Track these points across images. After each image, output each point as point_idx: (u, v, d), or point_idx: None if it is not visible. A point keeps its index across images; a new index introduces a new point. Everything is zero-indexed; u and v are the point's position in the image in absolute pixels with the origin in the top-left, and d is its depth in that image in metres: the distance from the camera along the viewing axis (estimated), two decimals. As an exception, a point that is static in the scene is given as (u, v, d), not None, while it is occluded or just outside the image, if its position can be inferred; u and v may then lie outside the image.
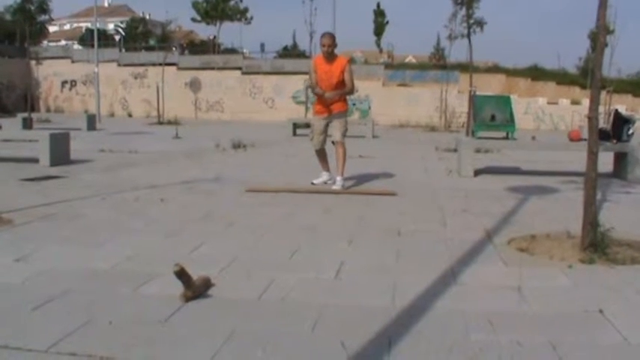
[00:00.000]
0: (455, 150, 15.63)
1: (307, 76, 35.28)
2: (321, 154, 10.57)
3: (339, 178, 10.11)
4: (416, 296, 4.72)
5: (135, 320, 4.17)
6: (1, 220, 7.25)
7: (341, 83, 10.04)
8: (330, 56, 10.01)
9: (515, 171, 13.14)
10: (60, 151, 13.16)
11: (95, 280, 5.10)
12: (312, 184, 10.42)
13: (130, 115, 39.35)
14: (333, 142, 10.25)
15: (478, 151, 14.28)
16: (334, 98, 10.07)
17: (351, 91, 10.36)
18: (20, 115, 27.03)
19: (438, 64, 46.78)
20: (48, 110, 41.15)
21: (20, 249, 6.02)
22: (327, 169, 10.63)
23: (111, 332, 3.98)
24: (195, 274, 5.10)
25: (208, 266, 5.46)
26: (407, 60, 69.65)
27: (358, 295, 4.76)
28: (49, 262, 5.61)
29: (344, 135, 10.21)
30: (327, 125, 10.31)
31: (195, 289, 4.41)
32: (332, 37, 10.07)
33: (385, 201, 9.00)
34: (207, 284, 4.50)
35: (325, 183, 10.45)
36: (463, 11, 22.90)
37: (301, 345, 3.80)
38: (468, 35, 21.77)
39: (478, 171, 12.34)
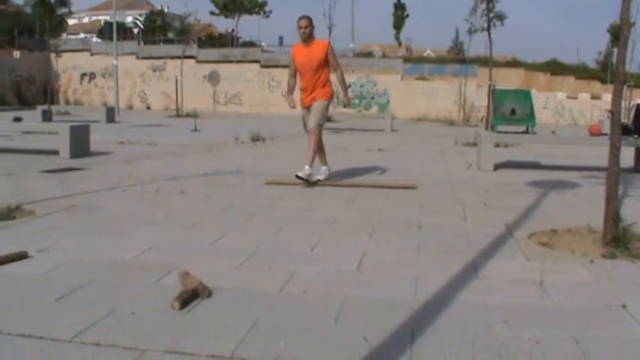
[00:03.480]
0: (474, 144, 15.61)
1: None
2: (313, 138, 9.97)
3: (306, 167, 9.62)
4: (438, 289, 4.71)
5: (158, 311, 4.18)
6: (23, 212, 7.29)
7: (319, 68, 9.67)
8: (309, 39, 9.70)
9: (535, 165, 13.10)
10: (80, 143, 13.22)
11: (117, 271, 5.12)
12: (318, 180, 9.91)
13: (148, 108, 39.50)
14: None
15: (497, 145, 14.24)
16: (348, 97, 10.31)
17: (343, 75, 10.14)
18: (40, 108, 27.19)
19: (456, 58, 46.67)
20: (67, 103, 41.36)
21: (42, 240, 6.05)
22: (325, 163, 10.33)
23: (134, 322, 3.99)
24: (216, 265, 5.15)
25: (229, 258, 5.48)
26: (425, 54, 69.51)
27: (380, 287, 4.76)
28: (71, 253, 5.64)
29: (319, 122, 9.80)
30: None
31: (183, 301, 4.36)
32: (308, 18, 9.74)
33: (405, 194, 8.99)
34: (195, 294, 4.46)
35: (327, 178, 10.15)
36: (483, 5, 22.76)
37: (324, 337, 3.80)
38: (488, 29, 21.69)
39: (498, 165, 12.31)
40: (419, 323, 4.01)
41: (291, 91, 10.22)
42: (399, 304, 4.38)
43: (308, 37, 9.66)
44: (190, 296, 4.34)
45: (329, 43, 9.92)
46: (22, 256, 5.53)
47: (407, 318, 4.10)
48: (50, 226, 6.73)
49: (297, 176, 9.46)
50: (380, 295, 4.59)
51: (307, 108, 9.94)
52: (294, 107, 10.02)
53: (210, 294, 4.45)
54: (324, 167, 10.28)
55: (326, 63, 9.71)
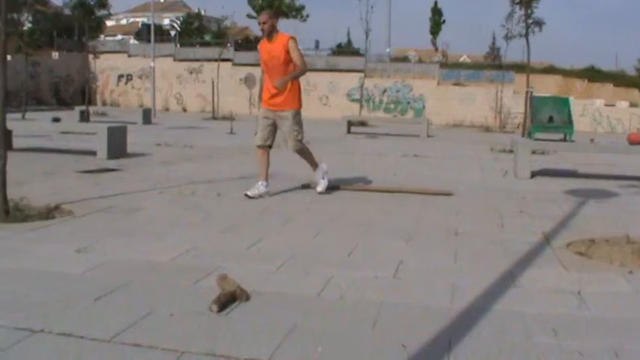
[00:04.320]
0: (510, 151, 15.50)
1: (362, 74, 35.16)
2: (262, 156, 9.21)
3: (316, 172, 9.31)
4: (475, 297, 4.69)
5: (196, 313, 4.21)
6: (61, 211, 7.37)
7: (285, 64, 8.84)
8: (271, 35, 8.92)
9: (572, 173, 12.99)
10: (117, 144, 13.31)
11: (155, 273, 5.16)
12: (246, 195, 8.78)
13: (184, 110, 39.70)
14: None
15: (534, 152, 14.14)
16: (284, 86, 8.82)
17: (303, 71, 9.01)
18: (77, 108, 27.41)
19: (493, 64, 46.38)
20: (104, 104, 41.66)
21: (80, 240, 6.11)
22: (265, 178, 9.06)
23: (172, 324, 4.02)
24: (254, 269, 5.18)
25: (267, 262, 5.51)
26: (461, 59, 69.25)
27: (417, 294, 4.75)
28: (109, 253, 5.69)
29: (300, 140, 9.11)
30: (273, 123, 9.09)
31: (221, 304, 4.37)
32: (268, 13, 9.12)
33: (441, 201, 8.96)
34: (233, 298, 4.48)
35: (261, 196, 8.86)
36: (521, 11, 22.59)
37: (361, 343, 3.80)
38: (526, 35, 21.45)
39: (535, 172, 12.22)
40: (456, 331, 4.00)
41: (259, 92, 9.54)
42: (436, 311, 4.37)
43: (269, 33, 8.92)
44: (228, 299, 4.36)
45: (290, 37, 9.00)
46: None
47: (444, 326, 4.10)
48: (88, 226, 6.80)
49: (319, 192, 9.18)
50: (417, 301, 4.59)
51: (268, 110, 9.07)
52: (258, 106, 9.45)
53: (248, 298, 4.47)
54: (261, 182, 9.04)
55: (290, 60, 8.91)
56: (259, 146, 9.17)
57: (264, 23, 8.90)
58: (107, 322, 4.02)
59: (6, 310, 4.17)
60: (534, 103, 22.82)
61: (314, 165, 9.43)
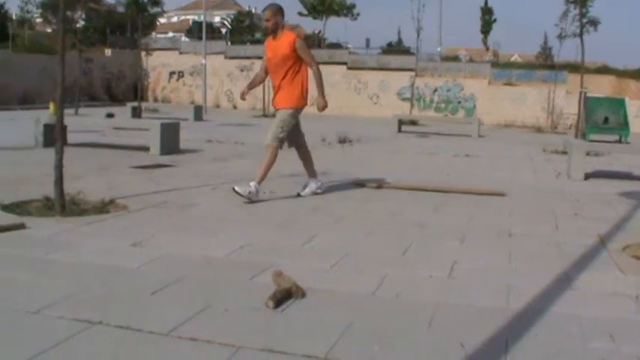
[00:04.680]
0: (563, 152, 15.34)
1: (413, 73, 35.01)
2: (300, 155, 9.20)
3: (252, 184, 8.30)
4: (530, 299, 4.66)
5: (252, 309, 4.24)
6: (116, 206, 7.47)
7: (288, 63, 8.46)
8: (276, 32, 8.53)
9: (627, 176, 12.80)
10: (170, 141, 13.42)
11: (210, 268, 5.21)
12: (299, 195, 8.79)
13: (235, 107, 39.88)
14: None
15: (588, 153, 13.98)
16: (325, 100, 8.82)
17: (318, 71, 8.69)
18: (129, 105, 27.71)
19: (545, 64, 45.92)
20: (155, 100, 42.03)
21: (136, 234, 6.18)
22: (313, 175, 9.13)
23: (228, 319, 4.06)
24: (308, 266, 5.19)
25: (321, 259, 5.52)
26: (512, 59, 68.69)
27: (472, 294, 4.73)
28: (164, 248, 5.75)
29: (277, 136, 8.56)
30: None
31: (277, 301, 4.38)
32: (273, 9, 8.55)
33: (495, 201, 8.89)
34: (289, 294, 4.49)
35: (315, 193, 8.90)
36: (575, 10, 22.30)
37: (418, 342, 3.80)
38: (581, 35, 21.20)
39: (588, 174, 12.06)
40: (512, 332, 3.98)
41: (251, 85, 9.13)
42: (491, 312, 4.35)
43: (273, 31, 8.54)
44: (284, 296, 4.38)
45: (296, 36, 8.71)
46: (19, 226, 6.27)
47: (500, 326, 4.07)
48: (143, 221, 6.88)
49: (234, 190, 8.19)
50: (472, 302, 4.57)
51: (275, 110, 8.92)
52: (243, 99, 9.30)
53: (303, 294, 4.48)
54: (310, 180, 9.08)
55: (293, 59, 8.49)
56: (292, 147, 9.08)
57: (267, 20, 8.58)
58: (164, 315, 4.06)
59: (66, 303, 4.23)
60: (588, 104, 22.53)
61: (260, 175, 8.50)
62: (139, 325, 3.87)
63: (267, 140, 8.57)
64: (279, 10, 8.54)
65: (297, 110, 8.72)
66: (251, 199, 8.13)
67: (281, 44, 8.46)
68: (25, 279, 4.76)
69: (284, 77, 8.54)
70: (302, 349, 3.60)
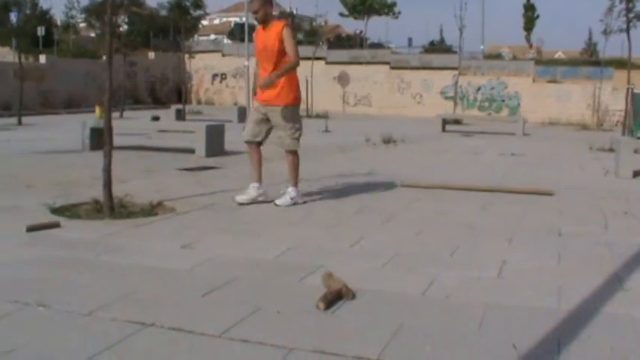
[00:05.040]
0: (610, 149, 15.17)
1: (456, 72, 34.82)
2: (252, 153, 8.50)
3: (290, 189, 8.21)
4: (582, 299, 4.61)
5: (302, 311, 4.25)
6: (164, 208, 7.53)
7: (279, 54, 7.97)
8: (266, 22, 8.09)
9: (677, 173, 12.61)
10: (215, 142, 13.49)
11: (259, 270, 5.23)
12: (238, 203, 8.07)
13: (277, 108, 39.97)
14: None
15: (636, 151, 13.78)
16: (276, 82, 7.94)
17: (295, 64, 8.04)
18: (173, 107, 27.93)
19: (590, 60, 45.44)
20: (199, 102, 42.25)
21: (184, 236, 6.24)
22: (258, 179, 8.38)
23: (280, 321, 4.07)
24: (358, 267, 5.20)
25: (369, 260, 5.53)
26: (556, 55, 68.05)
27: (522, 295, 4.69)
28: (213, 250, 5.79)
29: (296, 140, 8.26)
30: (266, 118, 8.23)
31: (328, 302, 4.39)
32: (260, 0, 8.06)
33: (542, 200, 8.81)
34: (339, 296, 4.50)
35: (254, 200, 8.17)
36: (621, 5, 22.02)
37: (469, 343, 3.78)
38: (627, 30, 20.95)
39: (637, 172, 11.90)
40: (565, 333, 3.94)
41: (255, 81, 8.64)
42: (542, 312, 4.32)
43: (262, 21, 8.11)
44: (335, 297, 4.38)
45: (285, 24, 8.19)
46: (55, 225, 6.52)
47: (552, 327, 4.04)
48: (191, 223, 6.93)
49: (277, 204, 8.05)
50: (522, 302, 4.53)
51: (260, 104, 8.26)
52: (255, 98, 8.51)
53: (353, 296, 4.48)
54: (252, 185, 8.37)
55: (282, 50, 8.01)
56: (247, 142, 8.43)
57: (255, 12, 8.13)
58: (215, 317, 4.09)
59: (118, 304, 4.28)
60: (636, 100, 22.21)
61: (293, 180, 8.31)
62: (191, 327, 3.90)
63: (286, 147, 8.25)
64: (267, 0, 8.15)
65: (298, 105, 8.42)
66: (298, 202, 8.15)
67: (270, 34, 8.03)
68: (77, 281, 4.83)
69: (274, 69, 8.01)
70: (354, 350, 3.60)
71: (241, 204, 8.01)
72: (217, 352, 3.59)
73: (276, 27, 8.04)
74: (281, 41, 7.94)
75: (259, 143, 8.41)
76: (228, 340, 3.74)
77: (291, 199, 8.12)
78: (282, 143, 8.26)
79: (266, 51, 8.06)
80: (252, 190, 8.20)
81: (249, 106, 32.98)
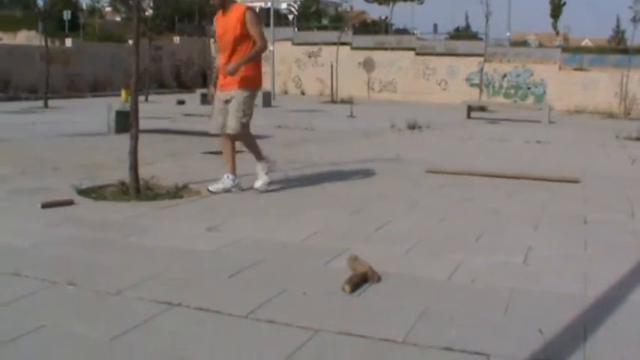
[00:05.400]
0: (637, 138, 15.08)
1: (482, 59, 34.64)
2: (224, 145, 8.03)
3: (259, 166, 7.91)
4: (608, 286, 4.59)
5: (328, 293, 4.27)
6: (189, 191, 7.58)
7: (240, 40, 7.54)
8: (225, 7, 7.63)
9: None
10: (240, 126, 13.50)
11: (285, 252, 5.26)
12: (209, 190, 7.64)
13: (302, 94, 39.98)
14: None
15: (663, 140, 13.69)
16: (238, 70, 7.46)
17: (261, 50, 7.65)
18: (198, 91, 28.02)
19: (617, 48, 45.04)
20: (224, 86, 42.33)
21: (210, 219, 6.28)
22: (232, 170, 7.89)
23: (305, 303, 4.10)
24: (383, 251, 5.21)
25: (395, 244, 5.53)
26: (583, 43, 67.51)
27: (548, 281, 4.69)
28: (239, 232, 5.83)
29: (244, 124, 7.67)
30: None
31: (353, 285, 4.40)
32: None
33: (568, 188, 8.77)
34: (365, 279, 4.51)
35: (228, 191, 7.72)
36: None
37: (494, 327, 3.79)
38: (656, 18, 20.76)
39: (664, 161, 11.81)
40: (591, 319, 3.93)
41: (214, 76, 8.28)
42: (568, 298, 4.31)
43: (222, 5, 7.67)
44: (360, 280, 4.40)
45: (247, 8, 7.71)
46: (69, 202, 6.73)
47: (578, 313, 4.03)
48: (216, 205, 6.98)
49: (257, 189, 7.79)
50: (548, 288, 4.53)
51: (223, 92, 7.79)
52: (209, 100, 7.96)
53: (379, 279, 4.50)
54: (226, 175, 7.87)
55: (247, 36, 7.56)
56: (217, 134, 8.01)
57: None
58: (242, 298, 4.12)
59: (146, 285, 4.33)
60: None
61: (259, 157, 7.99)
62: (217, 307, 3.94)
63: (231, 130, 7.63)
64: None
65: (256, 90, 7.91)
66: (268, 190, 7.81)
67: (231, 19, 7.57)
68: (105, 261, 4.88)
69: (233, 54, 7.59)
70: (380, 332, 3.62)
71: (214, 192, 7.62)
72: (243, 332, 3.62)
73: (237, 11, 7.60)
74: (243, 25, 7.52)
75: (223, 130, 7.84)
76: (255, 321, 3.77)
77: (266, 173, 7.85)
78: (227, 125, 7.66)
79: (227, 36, 7.61)
80: (227, 181, 7.78)
81: (274, 90, 33.07)
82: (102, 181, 7.86)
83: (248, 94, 7.66)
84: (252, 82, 7.73)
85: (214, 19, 7.94)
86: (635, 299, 4.35)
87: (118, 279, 4.42)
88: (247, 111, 7.66)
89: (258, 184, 7.86)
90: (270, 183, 7.96)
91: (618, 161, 12.19)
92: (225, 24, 7.63)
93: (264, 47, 7.71)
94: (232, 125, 7.59)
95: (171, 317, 3.80)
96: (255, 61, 7.76)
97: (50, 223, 5.96)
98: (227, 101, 7.67)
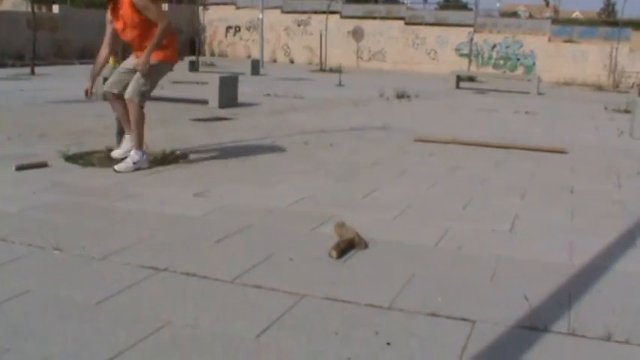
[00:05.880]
0: (626, 110, 15.07)
1: (472, 29, 34.53)
2: (115, 105, 7.42)
3: (133, 152, 7.09)
4: (593, 255, 4.62)
5: (315, 258, 4.28)
6: (177, 157, 7.54)
7: (143, 26, 7.05)
8: (113, 1, 7.10)
9: (692, 135, 12.52)
10: (228, 94, 13.47)
11: (272, 218, 5.25)
12: (115, 170, 6.88)
13: (291, 62, 39.79)
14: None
15: (651, 112, 13.66)
16: (146, 60, 6.95)
17: (167, 27, 7.06)
18: (187, 59, 27.81)
19: (607, 21, 45.01)
20: (212, 54, 42.07)
21: (197, 185, 6.27)
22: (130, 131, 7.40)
23: (292, 268, 4.10)
24: (370, 218, 5.21)
25: (382, 212, 5.54)
26: (573, 15, 67.42)
27: (534, 249, 4.71)
28: (226, 198, 5.82)
29: (142, 92, 7.08)
30: (134, 70, 7.17)
31: (340, 251, 4.40)
32: None
33: (556, 158, 8.78)
34: (351, 245, 4.52)
35: (139, 168, 7.01)
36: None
37: (481, 294, 3.80)
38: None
39: (652, 133, 11.81)
40: (575, 288, 3.96)
41: (95, 72, 7.53)
42: (554, 267, 4.33)
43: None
44: (347, 246, 4.41)
45: None
46: (42, 164, 6.79)
47: (563, 281, 4.06)
48: (204, 172, 6.95)
49: (116, 170, 6.86)
50: (534, 256, 4.55)
51: (134, 59, 7.33)
52: (88, 95, 7.34)
53: (366, 245, 4.50)
54: (127, 136, 7.49)
55: (147, 20, 7.03)
56: (106, 92, 7.39)
57: None
58: (229, 263, 4.13)
59: (132, 250, 4.32)
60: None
61: (136, 142, 7.15)
62: (204, 272, 3.94)
63: (128, 94, 7.05)
64: None
65: (166, 64, 7.41)
66: (142, 167, 7.04)
67: (125, 11, 7.04)
68: (91, 226, 4.86)
69: (145, 39, 7.08)
70: (365, 298, 3.63)
71: (116, 158, 7.22)
72: (230, 297, 3.62)
73: (125, 2, 7.01)
74: (137, 12, 6.97)
75: (121, 95, 7.23)
76: (241, 286, 3.77)
77: (134, 163, 6.98)
78: (127, 90, 7.07)
79: (127, 27, 7.11)
80: (127, 142, 7.39)
81: (263, 58, 32.91)
82: (89, 147, 7.82)
83: (157, 64, 7.11)
84: (162, 57, 7.19)
85: (108, 15, 7.28)
86: (620, 268, 4.38)
87: (104, 244, 4.40)
88: (149, 81, 7.13)
89: (120, 166, 6.96)
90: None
91: (606, 133, 12.18)
92: (123, 16, 7.08)
93: (167, 26, 7.08)
94: (130, 89, 7.04)
95: (157, 282, 3.80)
96: (173, 38, 7.34)
97: (37, 189, 5.93)
98: (134, 70, 7.16)
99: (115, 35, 7.35)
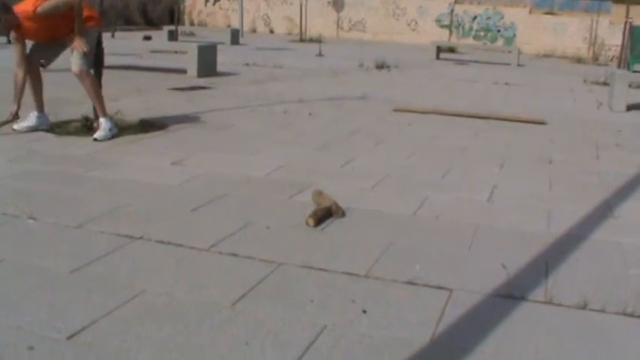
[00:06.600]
0: (604, 83, 15.09)
1: (453, 0, 34.41)
2: (31, 77, 7.38)
3: (102, 120, 6.96)
4: (571, 225, 4.62)
5: (292, 227, 4.26)
6: (154, 126, 7.51)
7: (60, 17, 6.81)
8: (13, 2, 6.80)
9: (671, 107, 12.56)
10: (207, 63, 13.37)
11: (249, 187, 5.23)
12: (13, 130, 6.97)
13: (271, 32, 39.58)
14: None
15: (630, 85, 13.68)
16: (80, 39, 6.80)
17: (79, 9, 6.73)
18: (166, 28, 27.57)
19: (588, -7, 44.94)
20: (192, 24, 41.72)
21: (175, 153, 6.22)
22: (40, 108, 7.35)
23: (269, 237, 4.08)
24: (348, 186, 5.19)
25: (361, 180, 5.53)
26: (554, -12, 67.25)
27: (512, 219, 4.71)
28: (203, 167, 5.78)
29: (84, 59, 6.90)
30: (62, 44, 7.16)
31: (317, 219, 4.38)
32: None
33: (535, 129, 8.78)
34: (329, 213, 4.50)
35: (35, 129, 7.10)
36: None
37: (458, 263, 3.80)
38: (627, -37, 20.63)
39: (631, 106, 11.82)
40: (553, 257, 3.97)
41: (18, 92, 7.30)
42: (532, 236, 4.33)
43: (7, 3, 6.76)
44: (324, 214, 4.39)
45: None
46: (7, 121, 6.95)
47: (541, 251, 4.06)
48: (182, 141, 6.90)
49: (96, 139, 6.75)
50: (512, 226, 4.55)
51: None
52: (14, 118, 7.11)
53: (343, 214, 4.49)
54: (36, 114, 7.28)
55: (59, 16, 6.80)
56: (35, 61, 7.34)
57: None
58: (205, 231, 4.10)
59: (107, 218, 4.29)
60: (635, 33, 22.03)
61: (101, 110, 7.03)
62: (180, 241, 3.92)
63: (77, 66, 6.88)
64: None
65: (92, 31, 7.12)
66: (111, 136, 6.89)
67: (28, 8, 6.72)
68: (66, 195, 4.82)
69: (66, 28, 6.90)
70: (342, 266, 3.62)
71: (15, 130, 7.02)
72: (206, 265, 3.60)
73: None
74: (48, 16, 6.74)
75: (41, 66, 7.34)
76: (217, 254, 3.75)
77: (109, 130, 6.90)
78: (72, 63, 6.90)
79: (43, 26, 6.84)
80: (32, 118, 7.20)
81: (242, 28, 32.72)
82: (66, 116, 7.74)
83: (87, 32, 6.92)
84: (90, 24, 7.01)
85: (17, 24, 6.90)
86: (597, 237, 4.39)
87: (79, 213, 4.36)
88: (86, 52, 6.85)
89: (100, 134, 6.86)
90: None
91: (585, 105, 12.20)
92: (34, 29, 6.92)
93: (79, 6, 6.72)
94: (75, 61, 6.86)
95: (132, 250, 3.77)
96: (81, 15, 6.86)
97: (12, 157, 5.87)
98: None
99: (25, 53, 7.23)
